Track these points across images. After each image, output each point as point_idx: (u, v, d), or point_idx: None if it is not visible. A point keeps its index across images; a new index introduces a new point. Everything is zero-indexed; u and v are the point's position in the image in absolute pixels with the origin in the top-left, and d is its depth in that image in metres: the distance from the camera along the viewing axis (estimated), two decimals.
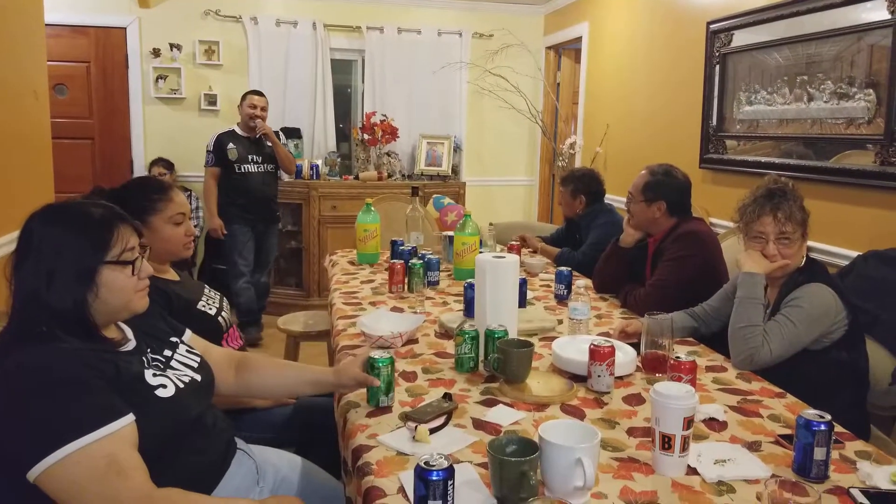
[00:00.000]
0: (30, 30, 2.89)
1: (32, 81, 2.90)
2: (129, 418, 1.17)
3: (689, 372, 1.55)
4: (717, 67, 3.36)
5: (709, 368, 1.79)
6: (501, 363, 1.59)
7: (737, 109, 3.25)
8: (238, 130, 4.26)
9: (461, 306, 2.25)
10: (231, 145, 4.20)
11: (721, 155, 3.38)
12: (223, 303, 2.06)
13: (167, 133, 5.14)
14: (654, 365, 1.72)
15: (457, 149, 5.47)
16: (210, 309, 1.96)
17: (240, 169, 4.24)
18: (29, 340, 1.18)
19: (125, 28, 5.00)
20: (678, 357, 1.57)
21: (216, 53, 5.13)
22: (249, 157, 4.25)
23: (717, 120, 3.39)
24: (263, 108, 4.24)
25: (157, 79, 5.08)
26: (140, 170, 5.10)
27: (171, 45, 5.03)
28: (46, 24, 3.13)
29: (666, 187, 2.38)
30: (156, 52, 5.02)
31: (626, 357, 1.71)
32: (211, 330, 1.88)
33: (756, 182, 1.95)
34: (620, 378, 1.66)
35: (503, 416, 1.46)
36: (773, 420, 1.48)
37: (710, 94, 3.43)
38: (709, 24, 3.41)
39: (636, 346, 1.79)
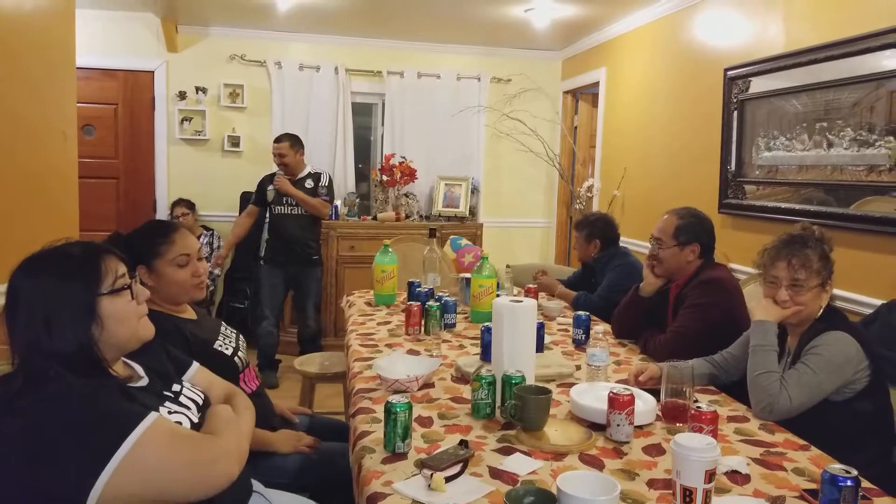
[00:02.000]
0: (60, 74, 2.97)
1: (62, 123, 2.98)
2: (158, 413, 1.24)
3: (711, 422, 1.51)
4: (735, 113, 3.38)
5: (731, 418, 1.75)
6: (519, 410, 1.57)
7: (756, 155, 3.26)
8: (280, 172, 4.34)
9: (478, 350, 2.23)
10: (270, 187, 4.29)
11: (740, 200, 3.37)
12: (239, 342, 2.06)
13: (190, 174, 5.24)
14: (675, 414, 1.69)
15: (474, 190, 5.52)
16: (226, 349, 1.96)
17: (275, 210, 4.32)
18: (39, 384, 1.19)
19: (153, 71, 5.15)
20: (699, 406, 1.54)
21: (240, 96, 5.25)
22: (284, 199, 4.29)
23: (736, 165, 3.39)
24: (283, 155, 4.27)
25: (182, 120, 5.20)
26: (163, 209, 5.19)
27: (197, 88, 5.16)
28: (78, 67, 3.23)
29: (697, 228, 2.37)
30: (182, 95, 5.16)
31: (645, 406, 1.68)
32: (227, 369, 1.88)
33: (776, 227, 1.95)
34: (640, 427, 1.63)
35: (520, 464, 1.43)
36: (797, 474, 1.43)
37: (728, 140, 3.44)
38: (726, 70, 3.44)
39: (655, 393, 1.76)
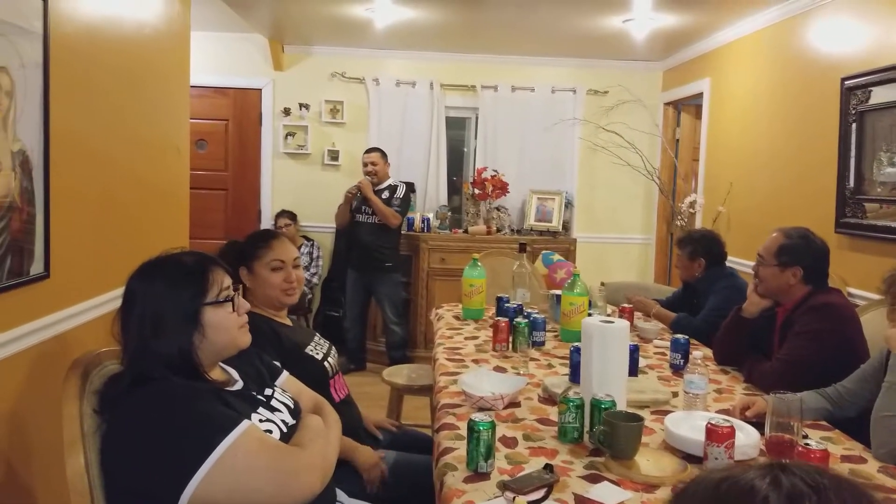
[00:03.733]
0: (176, 93, 3.19)
1: (176, 139, 3.19)
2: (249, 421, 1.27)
3: (820, 461, 1.39)
4: (854, 126, 3.13)
5: (844, 458, 1.60)
6: (608, 436, 1.51)
7: (877, 171, 3.00)
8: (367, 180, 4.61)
9: (567, 370, 2.17)
10: (359, 195, 4.58)
11: (860, 219, 3.11)
12: (331, 350, 2.13)
13: (293, 186, 5.47)
14: (780, 450, 1.56)
15: (568, 204, 5.41)
16: (317, 354, 2.03)
17: (354, 217, 4.62)
18: (144, 384, 1.26)
19: (261, 89, 5.42)
20: (807, 444, 1.42)
21: (340, 112, 5.43)
22: (363, 208, 4.60)
23: (855, 181, 3.14)
24: (374, 164, 4.60)
25: (286, 135, 5.44)
26: (267, 219, 5.44)
27: (301, 105, 5.39)
28: (192, 86, 3.46)
29: (803, 252, 2.20)
30: (286, 111, 5.40)
31: (747, 439, 1.57)
32: (317, 373, 1.96)
33: None
34: (741, 462, 1.52)
35: (608, 494, 1.37)
36: None
37: (845, 154, 3.19)
38: (843, 80, 3.20)
39: (760, 426, 1.64)
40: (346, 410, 1.96)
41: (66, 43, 2.10)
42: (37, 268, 1.98)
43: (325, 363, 2.03)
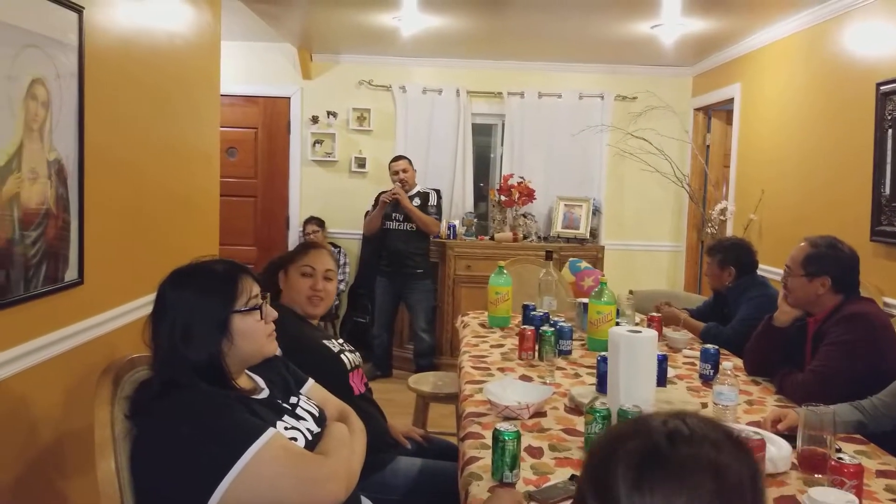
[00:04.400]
0: (206, 103, 3.25)
1: (206, 147, 3.24)
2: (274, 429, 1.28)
3: (854, 476, 1.35)
4: (890, 132, 3.06)
5: (880, 473, 1.56)
6: None
7: None
8: (395, 189, 4.65)
9: (594, 380, 2.15)
10: (385, 197, 4.63)
11: None
12: (351, 349, 2.17)
13: (320, 193, 5.52)
14: (812, 464, 1.53)
15: (595, 211, 5.37)
16: (333, 347, 2.08)
17: (385, 224, 4.64)
18: (174, 391, 1.28)
19: (289, 97, 5.49)
20: (841, 458, 1.39)
21: (367, 120, 5.47)
22: (394, 214, 4.63)
23: (891, 189, 3.06)
24: (405, 171, 4.65)
25: (314, 143, 5.50)
26: (295, 226, 5.50)
27: (328, 113, 5.44)
28: (223, 95, 3.52)
29: (830, 261, 2.15)
30: (314, 119, 5.45)
31: (779, 452, 1.54)
32: (334, 365, 2.00)
33: None
34: (773, 476, 1.49)
35: None
36: None
37: (881, 161, 3.12)
38: (878, 84, 3.13)
39: (792, 439, 1.61)
40: (366, 406, 1.99)
41: (100, 54, 2.15)
42: (71, 274, 2.03)
43: (343, 356, 2.07)
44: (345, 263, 5.32)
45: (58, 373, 1.98)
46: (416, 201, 4.66)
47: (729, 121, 5.05)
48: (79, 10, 2.01)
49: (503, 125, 5.54)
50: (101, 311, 2.22)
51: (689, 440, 0.71)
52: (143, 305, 2.40)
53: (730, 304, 3.03)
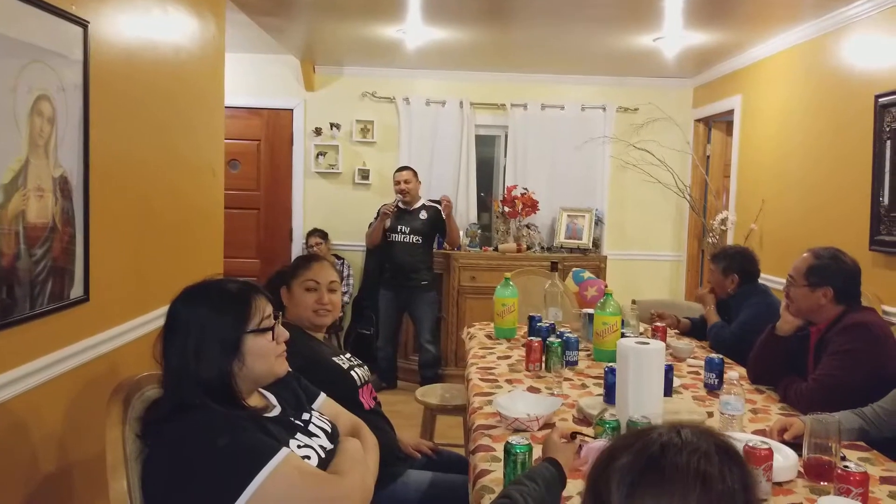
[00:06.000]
0: (212, 115, 3.25)
1: (212, 160, 3.26)
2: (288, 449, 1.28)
3: (860, 484, 1.38)
4: (889, 143, 3.10)
5: (884, 480, 1.58)
6: None
7: None
8: (400, 203, 4.67)
9: (601, 390, 2.17)
10: (396, 205, 4.66)
11: (895, 237, 3.07)
12: (359, 365, 2.17)
13: (324, 205, 5.55)
14: (819, 472, 1.55)
15: (598, 222, 5.41)
16: (343, 363, 2.08)
17: (389, 237, 4.64)
18: (185, 411, 1.28)
19: (292, 109, 5.53)
20: (847, 466, 1.41)
21: (370, 132, 5.51)
22: (398, 227, 4.63)
23: (890, 199, 3.10)
24: (406, 181, 4.64)
25: (317, 155, 5.53)
26: (298, 239, 5.52)
27: (332, 125, 5.47)
28: (227, 107, 3.52)
29: (833, 272, 2.19)
30: (317, 131, 5.49)
31: (785, 461, 1.57)
32: (343, 381, 2.00)
33: None
34: (779, 485, 1.52)
35: None
36: None
37: (880, 172, 3.16)
38: (877, 97, 3.18)
39: (797, 447, 1.63)
40: (376, 420, 2.00)
41: (104, 68, 2.14)
42: (77, 291, 1.99)
43: (352, 372, 2.07)
44: (348, 275, 5.34)
45: (63, 391, 1.95)
46: (423, 214, 4.66)
47: (729, 132, 5.10)
48: (84, 24, 1.99)
49: (506, 136, 5.58)
50: (106, 328, 2.18)
51: (680, 450, 0.76)
52: (148, 321, 2.37)
53: (731, 312, 3.07)
